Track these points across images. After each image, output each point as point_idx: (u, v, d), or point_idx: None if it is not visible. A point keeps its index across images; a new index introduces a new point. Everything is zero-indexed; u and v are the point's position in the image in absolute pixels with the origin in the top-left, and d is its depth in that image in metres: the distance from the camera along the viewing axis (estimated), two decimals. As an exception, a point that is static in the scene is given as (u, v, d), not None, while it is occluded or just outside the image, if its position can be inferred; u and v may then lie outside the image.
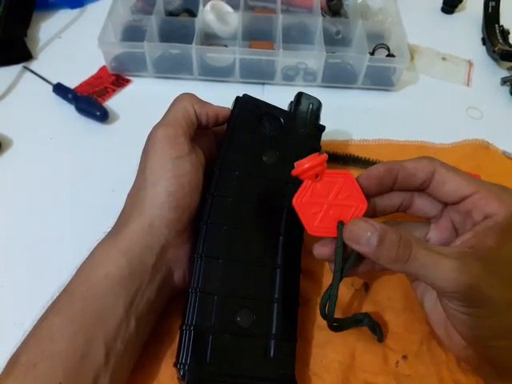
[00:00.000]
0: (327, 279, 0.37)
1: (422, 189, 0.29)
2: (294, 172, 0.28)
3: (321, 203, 0.28)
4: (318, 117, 0.39)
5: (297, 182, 0.29)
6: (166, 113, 0.35)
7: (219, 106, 0.36)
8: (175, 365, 0.29)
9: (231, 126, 0.35)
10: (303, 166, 0.28)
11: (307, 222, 0.28)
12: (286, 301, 0.32)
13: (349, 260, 0.29)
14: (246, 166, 0.34)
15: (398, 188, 0.30)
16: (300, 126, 0.37)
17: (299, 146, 0.36)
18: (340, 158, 0.45)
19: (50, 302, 0.29)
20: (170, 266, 0.32)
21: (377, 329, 0.33)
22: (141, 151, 0.34)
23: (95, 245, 0.31)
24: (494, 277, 0.24)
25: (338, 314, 0.34)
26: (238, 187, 0.33)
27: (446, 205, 0.30)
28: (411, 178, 0.29)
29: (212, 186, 0.33)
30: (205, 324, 0.30)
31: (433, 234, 0.32)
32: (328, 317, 0.29)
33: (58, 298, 0.29)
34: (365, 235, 0.25)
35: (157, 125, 0.34)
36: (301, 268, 0.34)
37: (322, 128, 0.38)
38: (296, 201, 0.28)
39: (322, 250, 0.30)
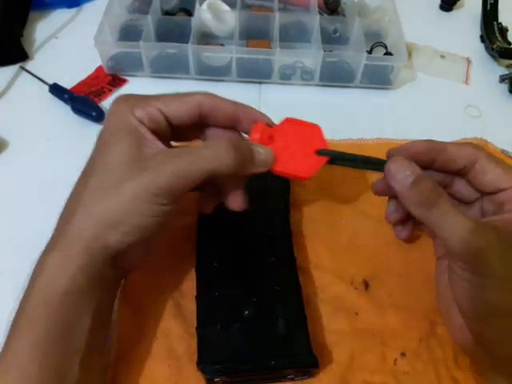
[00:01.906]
0: (317, 274, 0.37)
1: (460, 174, 0.30)
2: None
3: (291, 154, 0.31)
4: None
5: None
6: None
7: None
8: (197, 365, 0.30)
9: None
10: (256, 138, 0.30)
11: (295, 174, 0.31)
12: (288, 287, 0.33)
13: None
14: None
15: (436, 169, 0.30)
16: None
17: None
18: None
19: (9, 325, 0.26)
20: (133, 263, 0.30)
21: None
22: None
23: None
24: (505, 251, 0.25)
25: (341, 316, 0.34)
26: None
27: (482, 194, 0.30)
28: (451, 162, 0.29)
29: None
30: (214, 322, 0.31)
31: None
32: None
33: (17, 321, 0.26)
34: (402, 174, 0.27)
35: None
36: (295, 257, 0.35)
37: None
38: (275, 169, 0.31)
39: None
